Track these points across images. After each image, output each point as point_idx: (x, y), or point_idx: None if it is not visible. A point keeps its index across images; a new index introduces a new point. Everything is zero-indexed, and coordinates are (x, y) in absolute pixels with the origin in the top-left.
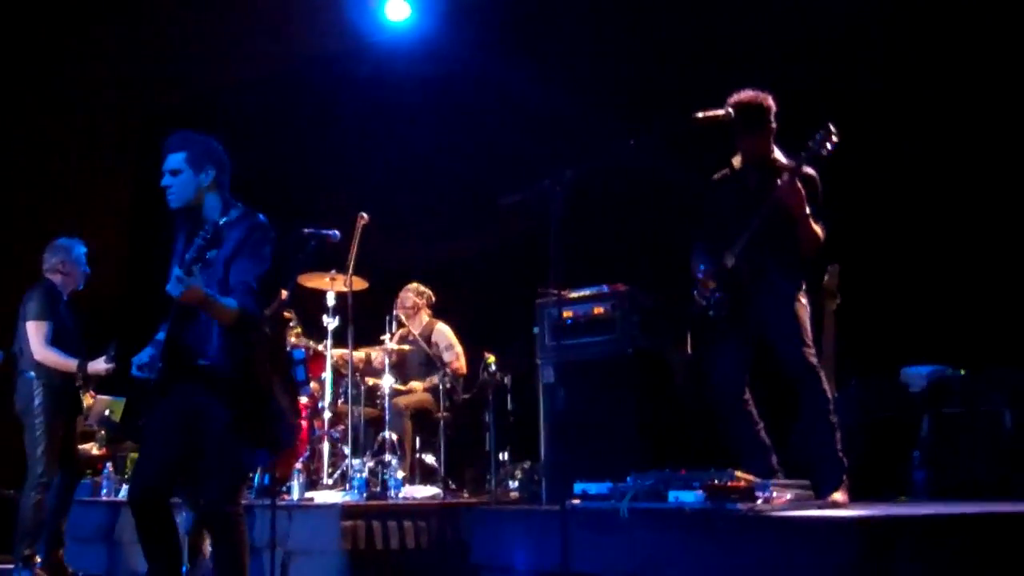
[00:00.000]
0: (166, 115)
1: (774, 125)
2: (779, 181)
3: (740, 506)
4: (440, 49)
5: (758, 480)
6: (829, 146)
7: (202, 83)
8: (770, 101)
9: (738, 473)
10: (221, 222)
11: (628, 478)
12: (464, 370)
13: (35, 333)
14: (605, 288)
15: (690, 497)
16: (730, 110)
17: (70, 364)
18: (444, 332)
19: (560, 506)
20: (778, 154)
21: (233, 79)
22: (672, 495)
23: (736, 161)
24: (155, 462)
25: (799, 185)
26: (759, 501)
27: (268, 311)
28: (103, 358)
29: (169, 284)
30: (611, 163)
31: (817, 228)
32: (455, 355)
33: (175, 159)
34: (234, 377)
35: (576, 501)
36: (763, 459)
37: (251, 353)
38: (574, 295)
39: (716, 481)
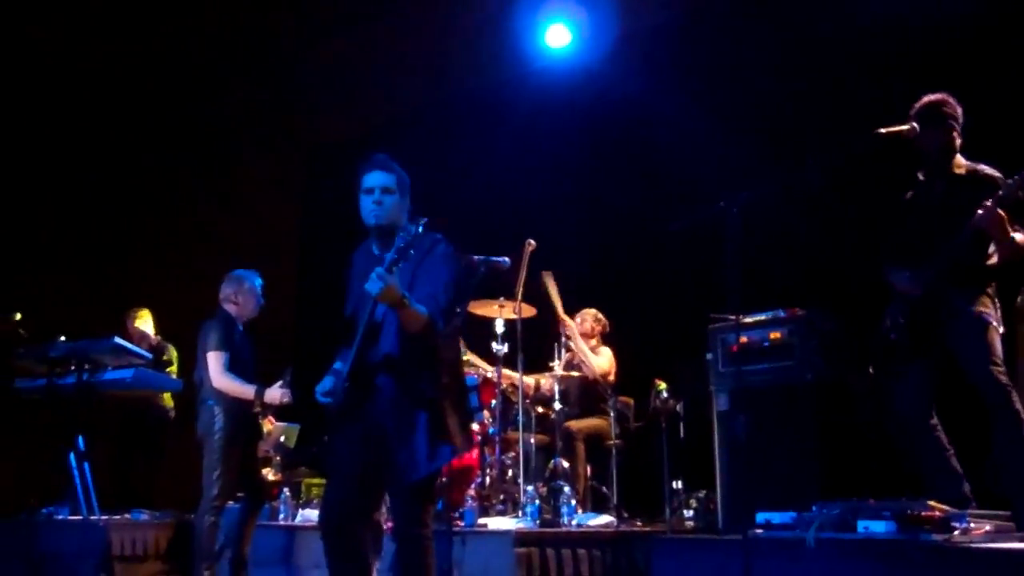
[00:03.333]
0: (331, 147)
1: (957, 131)
2: (979, 211)
3: (936, 537)
4: (602, 74)
5: (953, 510)
6: None
7: (366, 114)
8: (951, 103)
9: (931, 502)
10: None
11: (813, 507)
12: (610, 375)
13: (214, 362)
14: (782, 313)
15: (881, 527)
16: (915, 125)
17: (248, 391)
18: (601, 350)
19: (743, 535)
20: (961, 160)
21: (396, 109)
22: (861, 525)
23: (921, 174)
24: (344, 488)
25: (1001, 213)
26: (956, 532)
27: (449, 329)
28: (278, 384)
29: (368, 283)
30: (788, 184)
31: (1018, 236)
32: (605, 362)
33: (387, 178)
34: (405, 394)
35: (758, 531)
36: (955, 487)
37: (429, 370)
38: (749, 320)
39: (909, 511)
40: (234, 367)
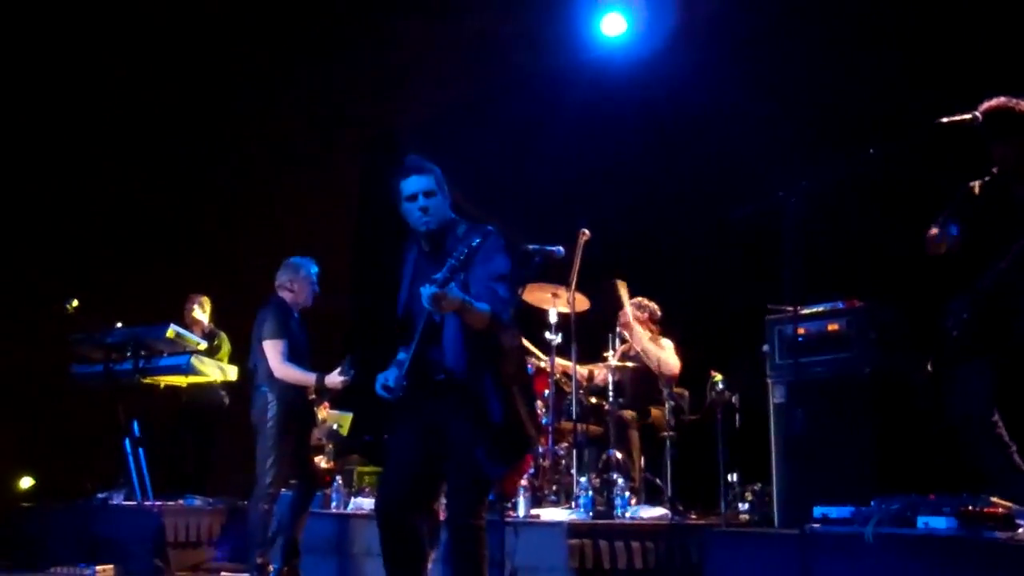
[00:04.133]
0: (387, 137)
1: None
2: None
3: (999, 534)
4: (659, 63)
5: (1017, 506)
6: None
7: (420, 102)
8: (1018, 107)
9: (994, 499)
10: (460, 232)
11: (872, 502)
12: (675, 373)
13: (272, 351)
14: (840, 304)
15: (941, 523)
16: (978, 114)
17: (309, 379)
18: (662, 342)
19: (800, 530)
20: None
21: (451, 97)
22: (921, 521)
23: (995, 169)
24: (400, 477)
25: None
26: (1020, 530)
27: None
28: (337, 371)
29: (423, 299)
30: (849, 173)
31: None
32: (668, 363)
33: (426, 181)
34: (472, 390)
35: (816, 525)
36: (1018, 484)
37: (493, 363)
38: (807, 311)
39: (970, 507)
40: (291, 355)
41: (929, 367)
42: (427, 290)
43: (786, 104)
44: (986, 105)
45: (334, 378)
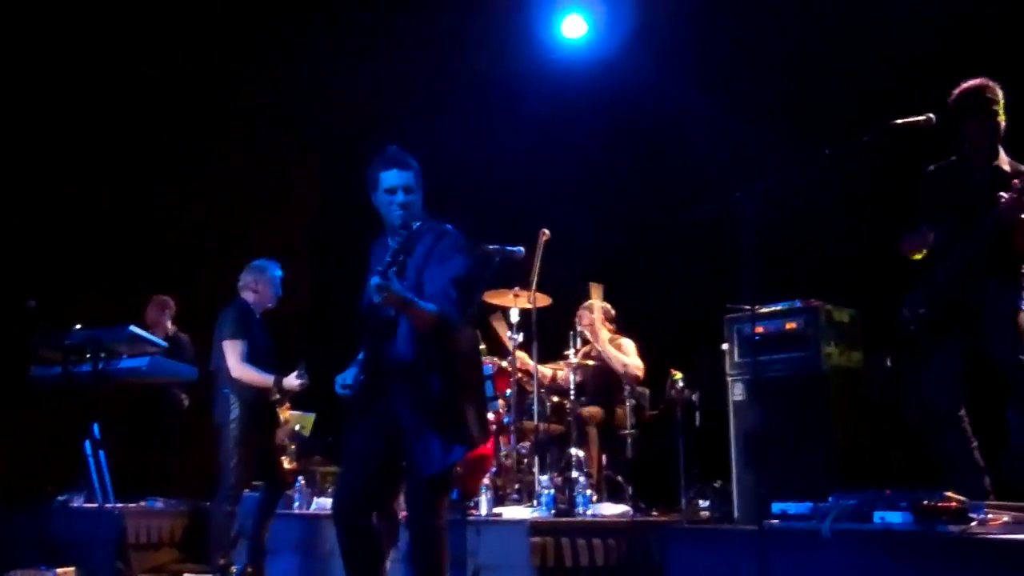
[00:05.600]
0: (347, 138)
1: (1001, 118)
2: (1002, 197)
3: (952, 528)
4: (618, 64)
5: (971, 501)
6: None
7: (382, 105)
8: (992, 86)
9: (949, 493)
10: (414, 227)
11: (830, 497)
12: (641, 376)
13: (231, 352)
14: (798, 303)
15: (897, 518)
16: (931, 116)
17: (267, 380)
18: (624, 344)
19: (758, 526)
20: (1003, 157)
21: (410, 99)
22: (877, 516)
23: (956, 157)
24: (357, 476)
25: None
26: (973, 523)
27: (467, 317)
28: (295, 374)
29: (369, 291)
30: (804, 173)
31: None
32: (634, 365)
33: (406, 176)
34: (421, 385)
35: (774, 521)
36: (975, 480)
37: (445, 363)
38: (765, 310)
39: (925, 501)
40: (251, 356)
41: (888, 362)
42: (373, 279)
43: (744, 105)
44: (964, 85)
45: (292, 381)
